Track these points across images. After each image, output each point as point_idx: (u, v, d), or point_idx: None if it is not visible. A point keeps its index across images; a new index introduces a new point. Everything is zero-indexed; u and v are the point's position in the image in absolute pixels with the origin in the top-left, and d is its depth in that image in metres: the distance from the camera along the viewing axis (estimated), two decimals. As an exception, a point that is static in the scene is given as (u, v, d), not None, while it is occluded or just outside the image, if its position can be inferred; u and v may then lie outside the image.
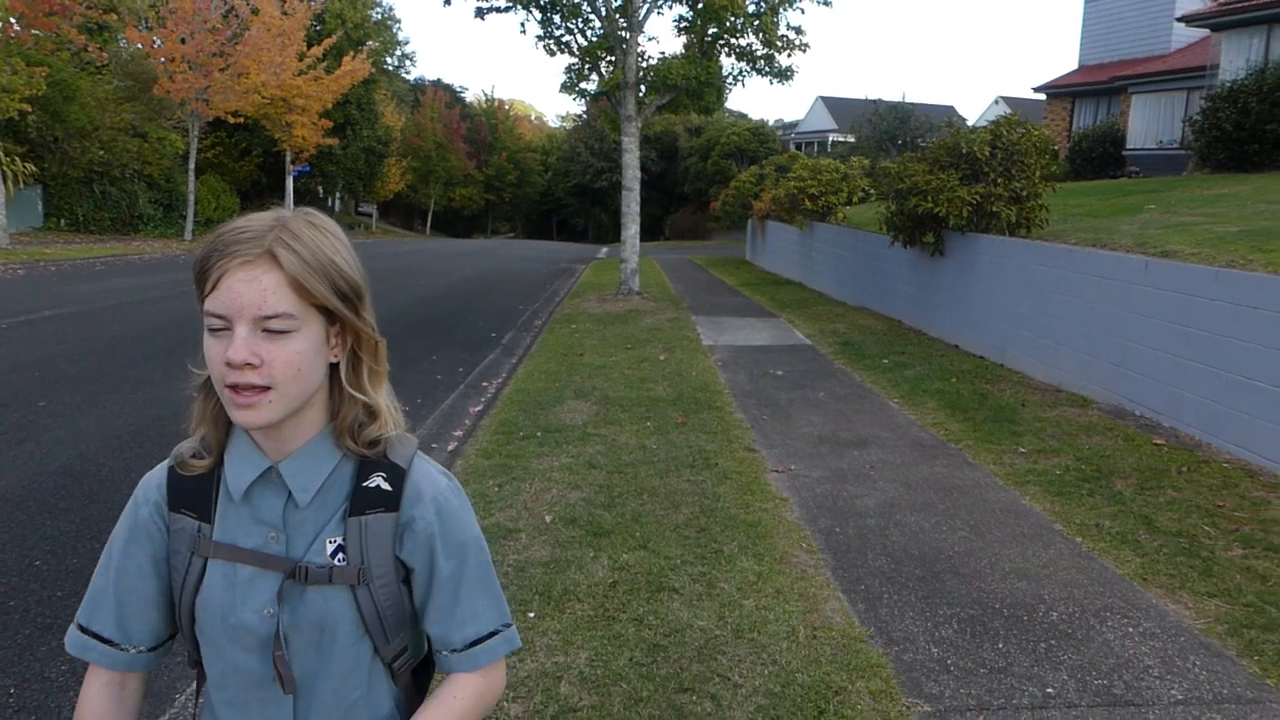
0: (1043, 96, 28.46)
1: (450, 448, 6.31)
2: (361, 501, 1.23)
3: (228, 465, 1.24)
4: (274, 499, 1.23)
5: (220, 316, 1.11)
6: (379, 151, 43.13)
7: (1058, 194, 11.43)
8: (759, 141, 44.71)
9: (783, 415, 7.25)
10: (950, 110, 50.66)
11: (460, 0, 15.29)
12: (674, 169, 50.97)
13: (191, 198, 28.14)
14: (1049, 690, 3.19)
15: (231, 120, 28.54)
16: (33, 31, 19.63)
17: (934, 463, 5.92)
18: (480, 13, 14.64)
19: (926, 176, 10.38)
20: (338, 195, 47.24)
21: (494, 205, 62.45)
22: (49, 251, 21.17)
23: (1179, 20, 19.80)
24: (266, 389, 1.13)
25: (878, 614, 3.79)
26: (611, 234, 47.91)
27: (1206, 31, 20.46)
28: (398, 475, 1.25)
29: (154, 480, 1.30)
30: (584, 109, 48.05)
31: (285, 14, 30.52)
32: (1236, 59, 17.75)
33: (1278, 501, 4.97)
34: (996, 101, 50.22)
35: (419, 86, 58.96)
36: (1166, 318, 6.71)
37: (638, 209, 15.62)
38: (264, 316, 1.11)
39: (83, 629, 1.29)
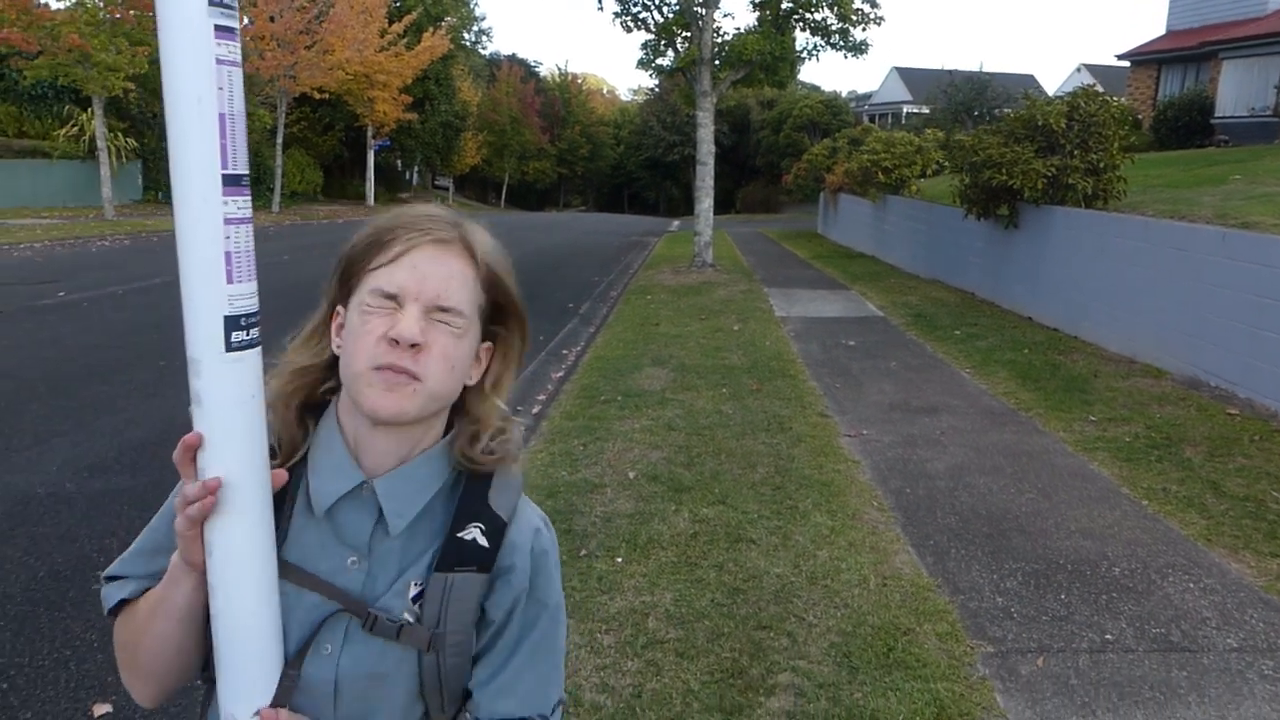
0: (1127, 64, 27.73)
1: (535, 410, 6.65)
2: (452, 556, 1.07)
3: (313, 476, 1.08)
4: (363, 519, 1.07)
5: (389, 295, 1.01)
6: (456, 126, 43.79)
7: (1139, 165, 11.27)
8: (831, 114, 44.28)
9: (855, 383, 7.44)
10: (1030, 80, 49.43)
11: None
12: (746, 142, 50.74)
13: (279, 171, 29.08)
14: (1108, 636, 3.39)
15: (317, 96, 29.39)
16: (132, 12, 20.45)
17: (1004, 430, 6.07)
18: (558, -11, 14.93)
19: (1001, 149, 10.38)
20: (416, 169, 48.16)
21: (566, 179, 62.89)
22: (149, 223, 22.17)
23: (1272, -17, 19.10)
24: (415, 378, 1.01)
25: (945, 566, 4.01)
26: (683, 207, 48.04)
27: (1304, -6, 19.75)
28: (497, 529, 1.09)
29: None
30: (657, 83, 48.07)
31: (368, -9, 31.27)
32: (1334, 23, 17.13)
33: (1349, 470, 5.05)
34: (1079, 70, 48.81)
35: (494, 61, 59.55)
36: (1243, 289, 6.72)
37: (711, 183, 15.79)
38: (439, 307, 1.02)
39: (108, 577, 1.14)
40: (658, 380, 7.42)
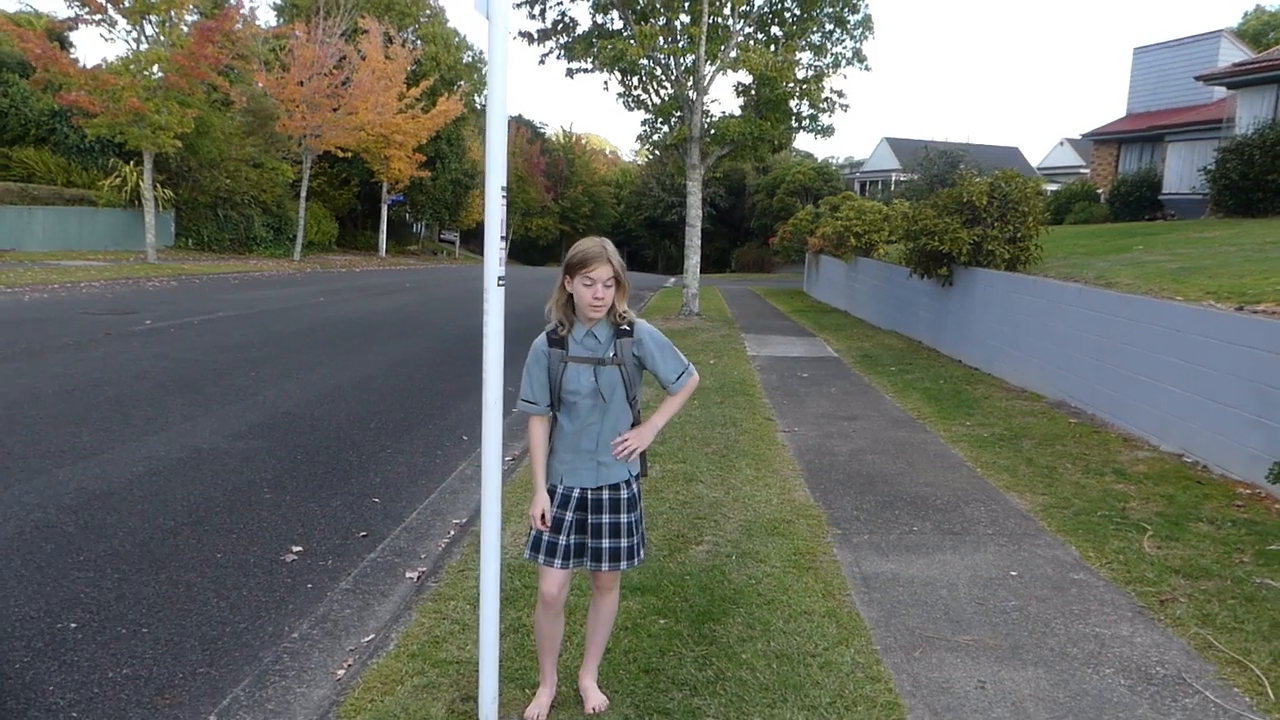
0: (1091, 142, 30.23)
1: (549, 412, 8.68)
2: (620, 335, 3.04)
3: (575, 328, 3.05)
4: (590, 339, 3.04)
5: (593, 279, 2.93)
6: (465, 183, 46.37)
7: (1072, 235, 13.30)
8: (823, 180, 46.91)
9: (798, 401, 9.49)
10: (1014, 152, 52.15)
11: (552, 59, 17.65)
12: (741, 205, 53.36)
13: (301, 222, 31.38)
14: (914, 529, 5.41)
15: (338, 154, 31.82)
16: (186, 78, 22.85)
17: (899, 430, 8.12)
18: (570, 73, 17.25)
19: (935, 220, 12.57)
20: (424, 223, 50.65)
21: (568, 235, 65.36)
22: (186, 266, 24.34)
23: (1196, 79, 21.54)
24: (603, 307, 2.98)
25: (827, 497, 6.03)
26: (679, 265, 50.23)
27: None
28: (631, 326, 3.07)
29: (540, 340, 3.09)
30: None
31: (388, 58, 34.01)
32: (1247, 115, 19.55)
33: (1127, 452, 7.10)
34: (1061, 144, 51.60)
35: (502, 122, 62.31)
36: (1089, 331, 8.82)
37: (699, 243, 18.01)
38: (604, 283, 2.94)
39: (524, 400, 3.15)
40: (643, 395, 9.42)
